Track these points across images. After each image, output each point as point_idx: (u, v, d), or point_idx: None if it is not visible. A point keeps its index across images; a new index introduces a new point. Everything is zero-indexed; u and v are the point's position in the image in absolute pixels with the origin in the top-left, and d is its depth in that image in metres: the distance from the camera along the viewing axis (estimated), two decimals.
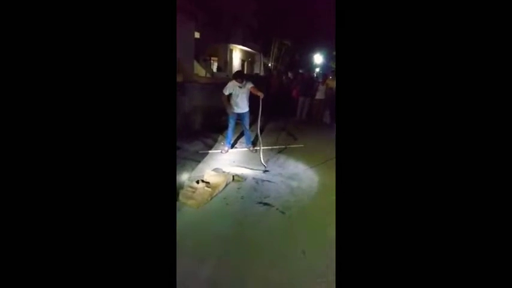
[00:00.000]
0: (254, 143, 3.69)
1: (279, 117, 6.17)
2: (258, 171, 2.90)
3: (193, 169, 2.87)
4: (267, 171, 2.93)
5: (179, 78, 4.57)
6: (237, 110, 3.46)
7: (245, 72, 14.40)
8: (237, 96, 3.37)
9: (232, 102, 3.41)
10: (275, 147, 3.88)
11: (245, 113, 3.51)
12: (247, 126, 3.59)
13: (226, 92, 3.35)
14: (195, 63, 8.26)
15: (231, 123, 3.48)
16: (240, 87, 3.33)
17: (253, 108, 3.40)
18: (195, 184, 2.33)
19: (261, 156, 3.13)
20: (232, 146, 3.70)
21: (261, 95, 3.24)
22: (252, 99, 3.43)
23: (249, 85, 3.37)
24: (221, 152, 3.48)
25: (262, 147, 3.23)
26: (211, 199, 2.19)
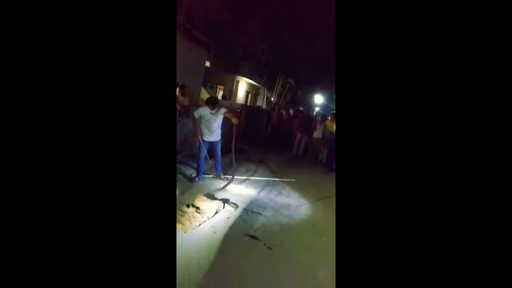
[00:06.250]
0: (225, 171, 3.60)
1: (276, 150, 6.27)
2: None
3: (183, 192, 2.84)
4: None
5: (185, 102, 4.72)
6: (208, 138, 3.26)
7: (248, 103, 14.91)
8: (208, 122, 3.20)
9: (203, 128, 3.23)
10: (267, 178, 3.89)
11: (217, 141, 3.34)
12: (219, 155, 3.40)
13: (196, 116, 3.19)
14: (202, 89, 8.59)
15: (202, 152, 3.24)
16: (212, 113, 3.19)
17: (227, 134, 3.35)
18: (185, 208, 2.30)
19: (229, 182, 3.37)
20: (204, 173, 3.45)
21: (235, 121, 3.18)
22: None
23: (223, 111, 3.25)
24: (190, 181, 3.23)
25: (235, 176, 3.48)
26: (199, 225, 2.15)
